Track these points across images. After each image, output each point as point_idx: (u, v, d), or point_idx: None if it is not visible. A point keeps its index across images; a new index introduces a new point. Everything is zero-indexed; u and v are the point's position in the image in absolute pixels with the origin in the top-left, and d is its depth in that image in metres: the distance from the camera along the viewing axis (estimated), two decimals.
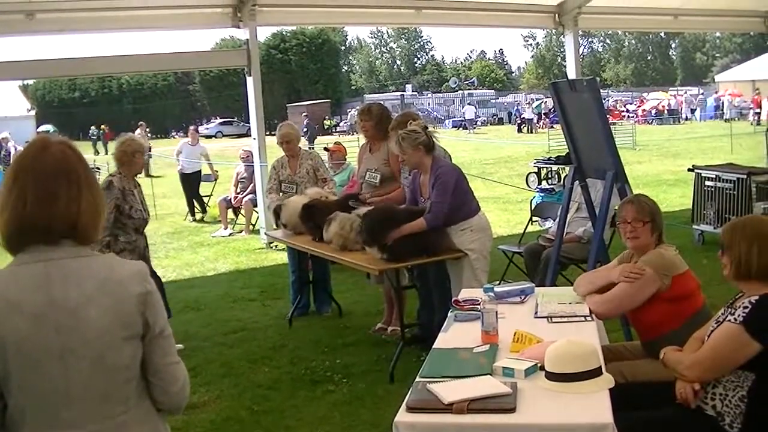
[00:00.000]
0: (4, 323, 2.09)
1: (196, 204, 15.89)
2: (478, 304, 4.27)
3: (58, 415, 2.14)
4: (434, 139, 6.15)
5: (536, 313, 4.24)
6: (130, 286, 2.19)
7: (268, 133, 12.72)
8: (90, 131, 47.98)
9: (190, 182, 15.93)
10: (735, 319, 3.26)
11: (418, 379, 3.34)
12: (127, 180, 6.51)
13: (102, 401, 2.17)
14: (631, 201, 4.31)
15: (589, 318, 4.08)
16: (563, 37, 13.92)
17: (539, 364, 3.30)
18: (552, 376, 3.18)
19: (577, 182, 6.39)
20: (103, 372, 2.16)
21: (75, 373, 2.13)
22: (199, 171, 16.03)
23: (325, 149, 11.61)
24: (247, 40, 11.23)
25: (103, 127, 46.05)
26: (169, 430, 2.40)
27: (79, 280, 2.14)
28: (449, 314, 4.38)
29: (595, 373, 3.17)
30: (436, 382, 3.22)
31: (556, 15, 13.00)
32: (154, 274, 6.81)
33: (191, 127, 16.36)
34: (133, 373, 2.23)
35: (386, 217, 5.94)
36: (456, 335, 4.01)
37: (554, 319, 4.10)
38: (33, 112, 53.98)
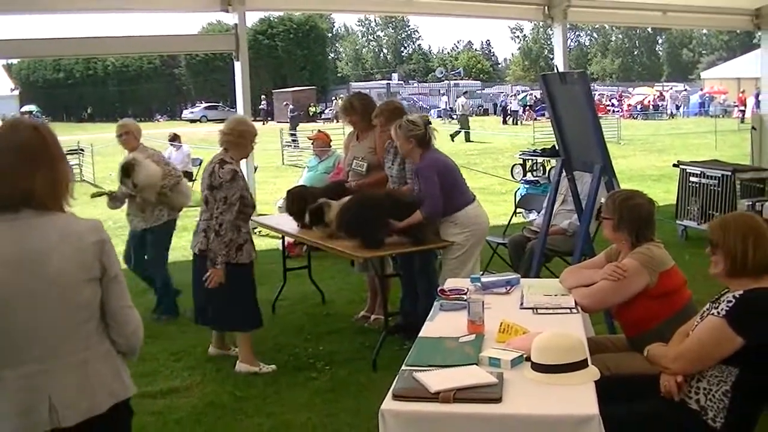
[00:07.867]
0: None
1: None
2: (464, 294, 4.26)
3: (25, 353, 2.45)
4: (432, 137, 6.11)
5: (522, 304, 4.25)
6: (88, 236, 2.54)
7: (253, 118, 12.59)
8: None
9: None
10: (718, 313, 3.27)
11: (404, 367, 3.33)
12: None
13: (65, 339, 2.50)
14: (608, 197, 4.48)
15: (574, 310, 4.09)
16: (552, 29, 13.88)
17: (525, 355, 3.30)
18: (538, 367, 3.18)
19: (563, 174, 6.40)
20: (66, 310, 2.49)
21: (42, 312, 2.45)
22: (189, 172, 15.69)
23: (308, 138, 11.53)
24: (236, 24, 11.10)
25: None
26: (128, 373, 2.71)
27: (43, 233, 2.47)
28: (435, 303, 4.37)
29: (582, 365, 3.18)
30: (423, 370, 3.22)
31: (546, 7, 12.91)
32: (237, 265, 5.85)
33: (171, 132, 16.14)
34: (92, 313, 2.56)
35: (365, 212, 5.90)
36: (442, 324, 4.00)
37: (540, 311, 4.11)
38: (17, 92, 53.59)
